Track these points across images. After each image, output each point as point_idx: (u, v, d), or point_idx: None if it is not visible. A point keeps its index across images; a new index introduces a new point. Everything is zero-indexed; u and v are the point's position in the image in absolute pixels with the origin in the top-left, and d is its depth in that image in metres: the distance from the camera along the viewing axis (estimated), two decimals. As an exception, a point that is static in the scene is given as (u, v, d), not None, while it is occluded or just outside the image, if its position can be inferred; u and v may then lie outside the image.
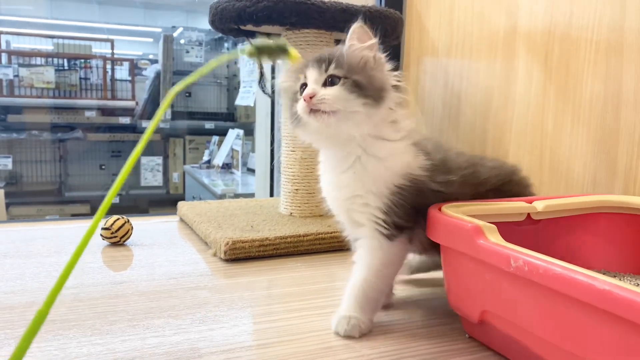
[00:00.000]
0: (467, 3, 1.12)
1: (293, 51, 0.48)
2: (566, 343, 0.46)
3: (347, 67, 0.58)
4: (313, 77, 0.58)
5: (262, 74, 1.04)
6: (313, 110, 0.57)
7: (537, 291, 0.47)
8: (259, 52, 0.48)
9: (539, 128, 0.94)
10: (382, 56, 0.61)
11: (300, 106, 0.58)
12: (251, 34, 1.04)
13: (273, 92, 1.09)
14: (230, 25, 0.95)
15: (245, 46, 0.48)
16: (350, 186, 0.61)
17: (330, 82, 0.58)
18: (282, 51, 0.48)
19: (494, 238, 0.53)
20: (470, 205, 0.63)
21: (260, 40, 0.48)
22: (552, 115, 0.91)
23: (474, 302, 0.56)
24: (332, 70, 0.57)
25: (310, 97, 0.56)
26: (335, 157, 0.62)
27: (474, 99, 1.10)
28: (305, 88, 0.59)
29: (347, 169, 0.61)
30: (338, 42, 1.10)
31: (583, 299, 0.42)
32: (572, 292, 0.43)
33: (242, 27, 0.98)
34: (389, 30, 0.98)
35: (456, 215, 0.58)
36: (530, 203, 0.68)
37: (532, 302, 0.48)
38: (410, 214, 0.61)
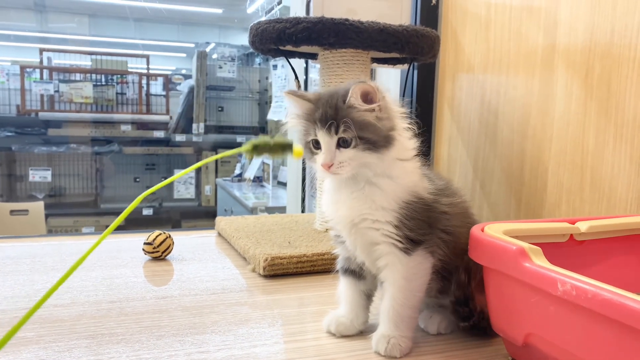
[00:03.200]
0: (503, 21, 1.12)
1: (297, 148, 0.50)
2: (616, 369, 0.45)
3: (356, 128, 0.58)
4: (325, 141, 0.59)
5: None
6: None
7: (585, 315, 0.47)
8: (257, 150, 0.49)
9: (579, 146, 0.93)
10: (386, 96, 0.61)
11: (319, 169, 0.60)
12: (290, 54, 1.07)
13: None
14: (270, 45, 0.97)
15: (244, 145, 0.50)
16: (359, 206, 0.61)
17: (343, 142, 0.59)
18: (284, 148, 0.50)
19: (540, 261, 0.53)
20: (512, 225, 0.63)
21: (260, 139, 0.49)
22: (594, 133, 0.90)
23: (518, 324, 0.56)
24: (341, 133, 0.59)
25: (329, 166, 0.59)
26: (346, 180, 0.62)
27: (511, 116, 1.09)
28: (314, 142, 0.61)
29: (358, 190, 0.61)
30: (374, 60, 1.11)
31: (633, 324, 0.42)
32: (621, 317, 0.43)
33: (282, 48, 1.01)
34: (426, 48, 0.99)
35: (500, 236, 0.58)
36: (574, 224, 0.67)
37: (580, 326, 0.48)
38: (423, 227, 0.61)
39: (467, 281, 0.66)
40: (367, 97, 0.59)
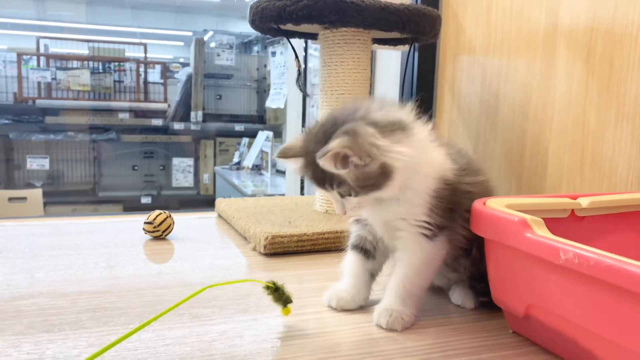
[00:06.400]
0: (505, 2, 1.11)
1: (287, 309, 0.60)
2: (618, 336, 0.46)
3: (350, 185, 0.57)
4: (328, 195, 0.60)
5: (299, 73, 1.05)
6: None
7: (587, 284, 0.47)
8: (272, 290, 0.60)
9: (580, 126, 0.93)
10: (371, 139, 0.55)
11: (340, 211, 0.60)
12: (290, 34, 1.06)
13: (305, 84, 1.09)
14: (270, 24, 0.96)
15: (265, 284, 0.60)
16: (395, 210, 0.61)
17: (344, 191, 0.58)
18: (285, 301, 0.60)
19: (542, 231, 0.53)
20: (513, 200, 0.63)
21: (281, 284, 0.60)
22: (595, 112, 0.90)
23: (519, 296, 0.56)
24: (337, 189, 0.58)
25: (344, 213, 0.60)
26: None
27: (512, 97, 1.09)
28: None
29: (388, 199, 0.61)
30: (375, 41, 1.11)
31: (637, 290, 0.42)
32: (625, 284, 0.43)
33: (282, 27, 1.00)
34: (427, 28, 0.98)
35: (502, 208, 0.58)
36: (575, 199, 0.67)
37: (582, 295, 0.48)
38: (448, 212, 0.61)
39: (479, 257, 0.66)
40: (342, 160, 0.54)
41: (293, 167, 0.62)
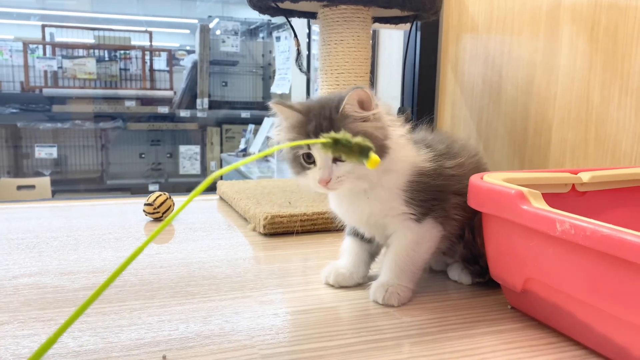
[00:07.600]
0: (508, -23, 1.09)
1: (374, 156, 0.42)
2: (615, 308, 0.45)
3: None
4: (320, 155, 0.57)
5: (299, 52, 1.04)
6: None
7: (584, 255, 0.46)
8: (336, 146, 0.42)
9: (584, 102, 0.91)
10: (380, 104, 0.59)
11: (314, 183, 0.58)
12: (289, 13, 1.05)
13: (309, 69, 1.09)
14: (268, 2, 0.95)
15: (322, 136, 0.43)
16: (368, 210, 0.61)
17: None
18: (361, 152, 0.42)
19: (538, 203, 0.52)
20: (511, 174, 0.62)
21: (342, 135, 0.42)
22: (599, 87, 0.88)
23: (517, 270, 0.55)
24: None
25: (327, 182, 0.57)
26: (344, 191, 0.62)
27: (515, 74, 1.07)
28: (306, 156, 0.58)
29: (360, 197, 0.61)
30: (376, 20, 1.09)
31: (634, 260, 0.41)
32: (622, 253, 0.42)
33: (280, 5, 0.99)
34: (427, 4, 0.97)
35: (499, 182, 0.57)
36: (576, 174, 0.66)
37: (579, 266, 0.47)
38: (431, 197, 0.61)
39: (472, 239, 0.65)
40: (363, 105, 0.57)
41: (284, 119, 0.60)
